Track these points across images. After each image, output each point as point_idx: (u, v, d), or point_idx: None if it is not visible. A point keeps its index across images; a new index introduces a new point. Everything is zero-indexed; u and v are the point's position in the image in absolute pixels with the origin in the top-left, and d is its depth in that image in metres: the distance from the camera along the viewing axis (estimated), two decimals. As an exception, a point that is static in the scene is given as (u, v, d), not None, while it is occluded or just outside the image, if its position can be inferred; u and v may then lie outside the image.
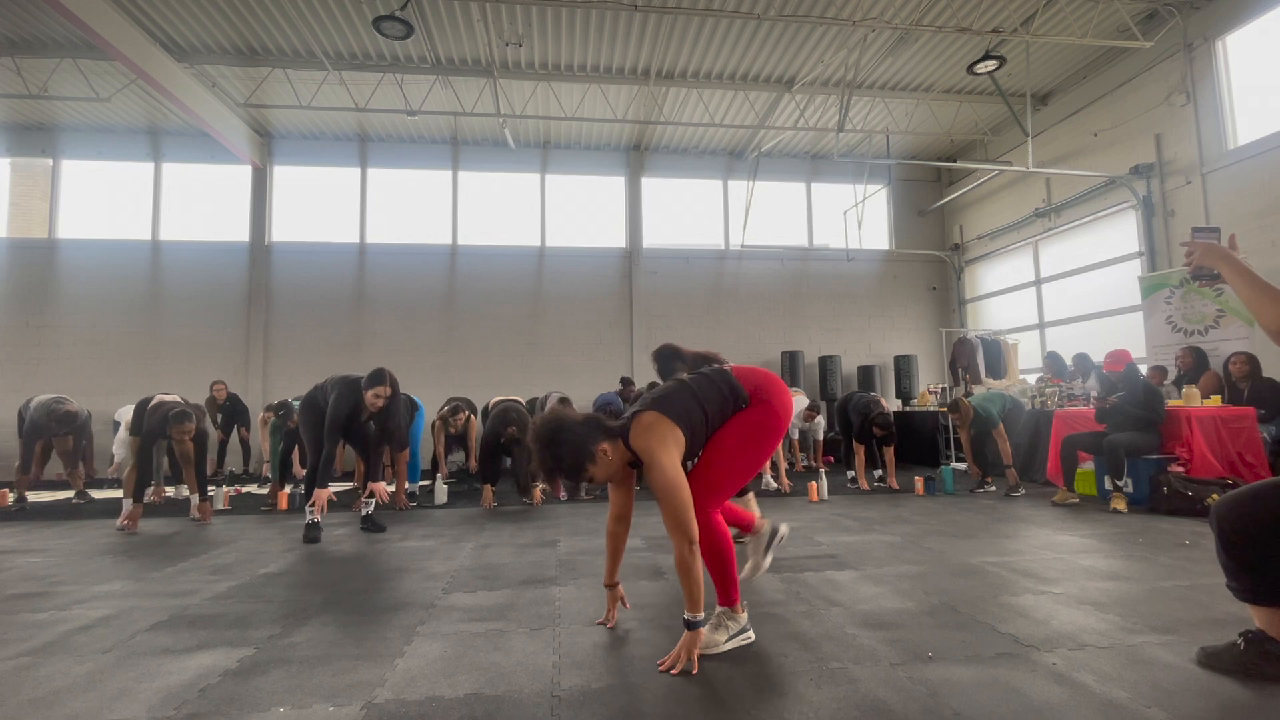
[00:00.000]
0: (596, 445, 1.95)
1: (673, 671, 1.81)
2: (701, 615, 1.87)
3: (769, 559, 2.49)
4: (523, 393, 8.62)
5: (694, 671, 1.82)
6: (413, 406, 5.50)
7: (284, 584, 2.88)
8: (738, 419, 2.10)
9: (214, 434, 7.32)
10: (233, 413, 7.64)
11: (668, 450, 1.91)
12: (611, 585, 2.27)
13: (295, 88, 8.03)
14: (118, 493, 5.59)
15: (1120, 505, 4.53)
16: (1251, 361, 5.38)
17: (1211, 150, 6.57)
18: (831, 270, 10.43)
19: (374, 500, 4.21)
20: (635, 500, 4.46)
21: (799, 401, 7.21)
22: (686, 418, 2.00)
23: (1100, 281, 7.98)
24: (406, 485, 5.38)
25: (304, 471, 5.91)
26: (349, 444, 4.43)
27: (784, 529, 2.53)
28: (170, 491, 5.85)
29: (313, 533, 3.85)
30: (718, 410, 2.08)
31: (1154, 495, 4.50)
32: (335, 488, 6.32)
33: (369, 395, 3.94)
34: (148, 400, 4.65)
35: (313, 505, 3.87)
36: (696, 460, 2.13)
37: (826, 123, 8.96)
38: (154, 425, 4.44)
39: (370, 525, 4.15)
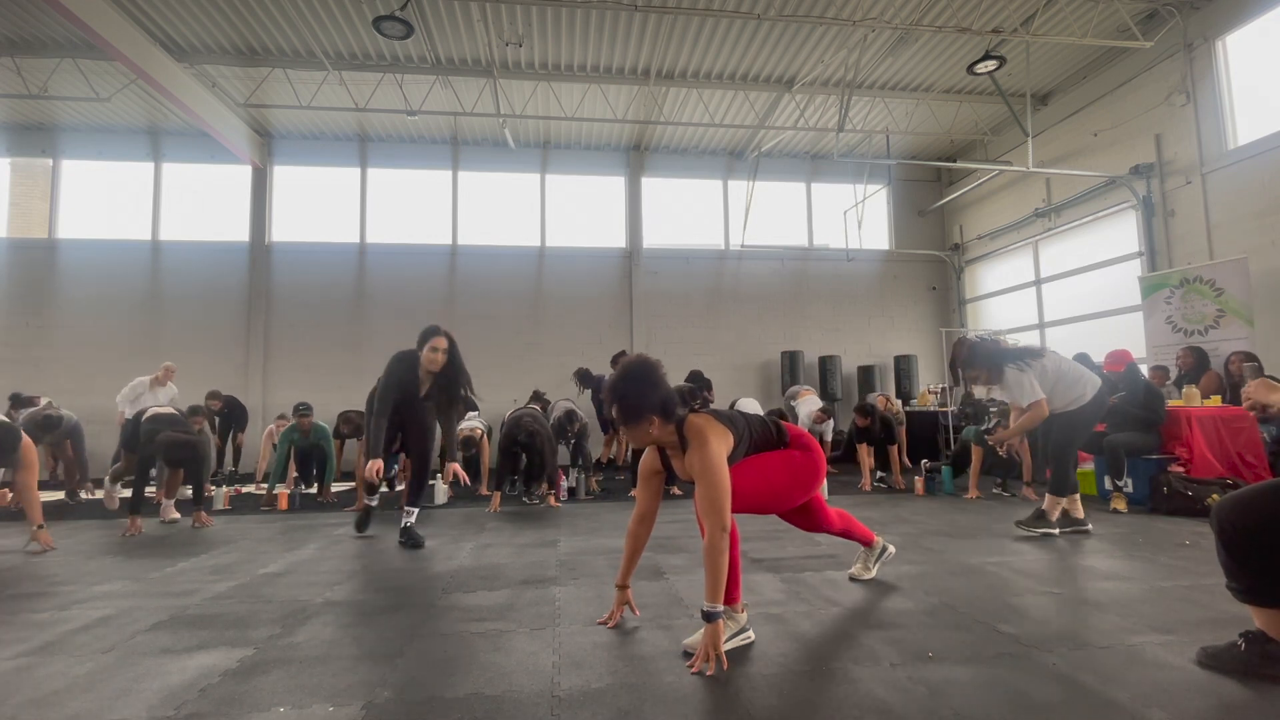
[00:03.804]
0: (650, 415, 1.99)
1: (707, 672, 1.80)
2: (721, 607, 1.87)
3: (875, 570, 2.81)
4: (523, 388, 8.63)
5: (725, 667, 1.82)
6: None
7: (284, 584, 2.88)
8: (784, 452, 2.25)
9: (212, 439, 7.34)
10: (230, 418, 7.62)
11: (719, 439, 2.02)
12: (623, 586, 2.26)
13: (295, 88, 8.03)
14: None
15: (1120, 505, 4.53)
16: (1253, 360, 5.38)
17: (1211, 150, 6.57)
18: (831, 270, 10.43)
19: (415, 511, 3.77)
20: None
21: (812, 402, 7.23)
22: (733, 427, 2.12)
23: (1100, 281, 7.98)
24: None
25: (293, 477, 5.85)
26: (401, 434, 3.84)
27: (892, 549, 2.88)
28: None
29: (409, 537, 3.64)
30: (761, 437, 2.24)
31: (1154, 495, 4.50)
32: (337, 487, 6.33)
33: (425, 352, 3.57)
34: (141, 413, 4.65)
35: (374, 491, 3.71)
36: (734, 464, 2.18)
37: (826, 123, 8.96)
38: (147, 440, 4.41)
39: (409, 539, 3.63)
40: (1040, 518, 3.68)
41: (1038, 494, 5.19)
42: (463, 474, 3.69)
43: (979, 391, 8.21)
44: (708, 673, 1.80)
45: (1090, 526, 3.78)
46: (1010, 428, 3.90)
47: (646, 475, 2.23)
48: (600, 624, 2.24)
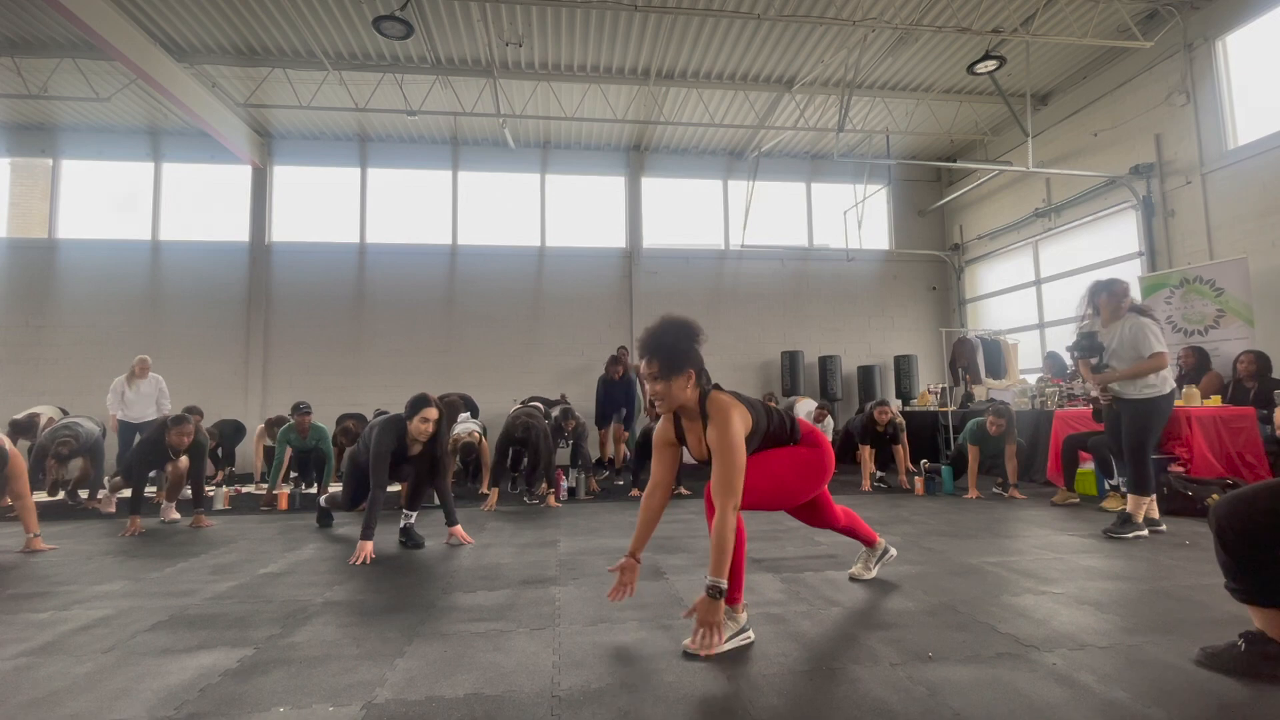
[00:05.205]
0: (692, 367, 2.04)
1: (702, 653, 1.82)
2: (724, 582, 1.87)
3: (875, 570, 2.80)
4: (524, 390, 8.63)
5: (719, 640, 1.84)
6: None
7: (284, 584, 2.88)
8: (793, 449, 2.26)
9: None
10: (220, 437, 7.54)
11: (741, 416, 2.03)
12: (632, 556, 2.18)
13: (295, 88, 8.03)
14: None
15: (1113, 505, 4.51)
16: (1259, 360, 5.36)
17: (1211, 150, 6.57)
18: (831, 270, 10.43)
19: (415, 513, 3.81)
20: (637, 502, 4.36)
21: (807, 404, 7.25)
22: (754, 411, 2.14)
23: (1100, 281, 7.97)
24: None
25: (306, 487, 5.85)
26: (396, 479, 3.95)
27: (893, 551, 2.86)
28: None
29: (409, 537, 3.67)
30: (778, 428, 2.25)
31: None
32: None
33: (415, 421, 3.54)
34: (133, 432, 4.64)
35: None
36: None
37: (826, 123, 8.96)
38: (152, 436, 4.43)
39: (409, 539, 3.69)
40: (1127, 521, 3.60)
41: (1023, 494, 5.21)
42: (465, 537, 3.71)
43: (979, 393, 8.22)
44: (702, 653, 1.81)
45: (1165, 526, 3.74)
46: (1120, 371, 3.68)
47: (661, 446, 2.23)
48: (609, 597, 2.19)
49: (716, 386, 2.13)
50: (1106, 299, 3.73)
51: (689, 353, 2.03)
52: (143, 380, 6.35)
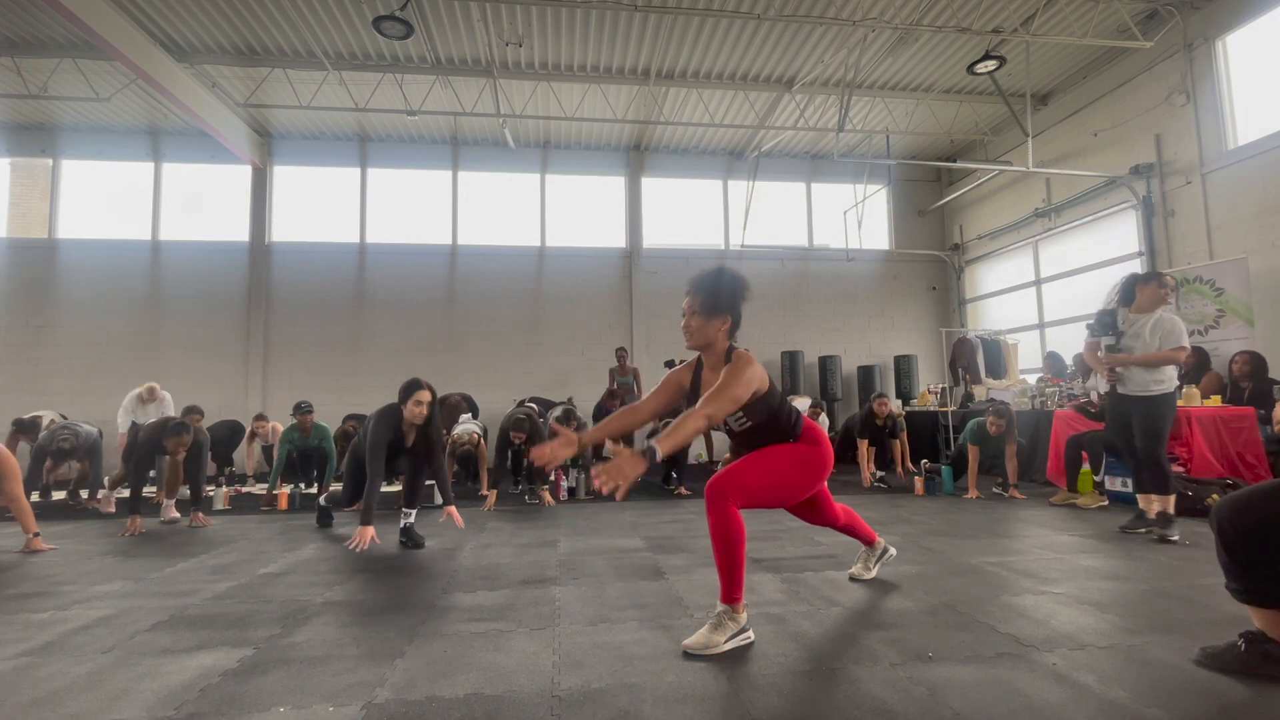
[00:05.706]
0: (730, 315, 2.15)
1: (605, 489, 1.71)
2: (660, 451, 1.79)
3: (875, 570, 2.80)
4: (524, 390, 8.64)
5: (618, 499, 1.83)
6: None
7: (284, 584, 2.88)
8: (793, 446, 2.26)
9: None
10: (214, 443, 7.52)
11: (759, 374, 2.11)
12: (578, 435, 2.10)
13: (295, 88, 8.03)
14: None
15: (1091, 500, 4.53)
16: (1254, 361, 5.36)
17: (1211, 150, 6.57)
18: (831, 270, 10.43)
19: (414, 511, 3.82)
20: (643, 505, 4.46)
21: (802, 403, 7.26)
22: (771, 384, 2.22)
23: (1100, 281, 7.95)
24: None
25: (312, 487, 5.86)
26: (394, 472, 4.05)
27: (893, 550, 2.87)
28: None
29: (409, 536, 3.68)
30: (784, 417, 2.25)
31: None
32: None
33: (409, 405, 3.59)
34: (137, 431, 4.67)
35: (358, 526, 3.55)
36: (745, 454, 2.25)
37: (826, 123, 8.95)
38: (150, 438, 4.44)
39: (409, 539, 3.68)
40: (1170, 522, 3.54)
41: (1023, 494, 5.20)
42: (458, 518, 3.74)
43: (979, 393, 8.22)
44: (605, 489, 1.71)
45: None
46: (1138, 355, 3.66)
47: (670, 384, 2.30)
48: (536, 462, 2.05)
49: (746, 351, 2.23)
50: (1155, 288, 3.72)
51: (733, 302, 2.15)
52: (151, 404, 6.44)
